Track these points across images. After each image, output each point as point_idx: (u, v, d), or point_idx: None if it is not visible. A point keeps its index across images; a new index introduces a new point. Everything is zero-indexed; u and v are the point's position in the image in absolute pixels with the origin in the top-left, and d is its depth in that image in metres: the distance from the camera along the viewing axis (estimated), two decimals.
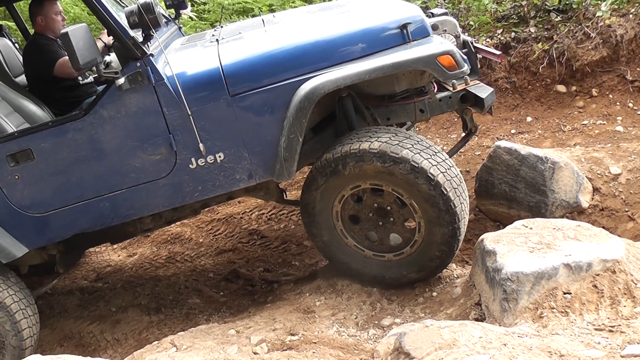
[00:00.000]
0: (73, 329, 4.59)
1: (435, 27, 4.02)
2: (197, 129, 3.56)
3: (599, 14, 5.68)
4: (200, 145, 3.59)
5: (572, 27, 5.84)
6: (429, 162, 3.49)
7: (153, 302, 4.79)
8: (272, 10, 7.15)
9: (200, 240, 5.64)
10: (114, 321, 4.59)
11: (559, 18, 5.94)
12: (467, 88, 3.91)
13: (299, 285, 4.26)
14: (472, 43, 4.16)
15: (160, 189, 3.73)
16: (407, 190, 3.55)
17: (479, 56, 4.21)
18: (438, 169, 3.49)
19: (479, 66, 4.22)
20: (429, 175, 3.45)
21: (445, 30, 4.14)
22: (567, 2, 5.94)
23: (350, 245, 3.87)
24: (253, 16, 6.85)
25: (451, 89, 3.79)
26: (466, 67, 3.65)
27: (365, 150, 3.52)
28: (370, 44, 3.62)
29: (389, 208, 3.71)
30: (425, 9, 4.86)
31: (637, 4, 5.69)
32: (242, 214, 5.76)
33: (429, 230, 3.60)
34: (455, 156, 5.21)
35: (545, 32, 5.96)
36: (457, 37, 4.17)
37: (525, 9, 6.11)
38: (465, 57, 3.83)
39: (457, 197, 3.53)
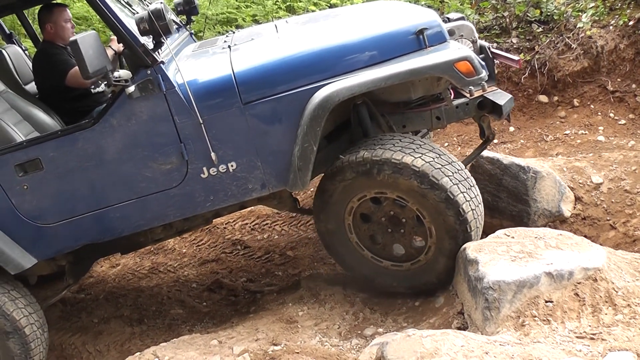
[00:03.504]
0: (55, 340, 4.53)
1: (451, 33, 3.92)
2: (209, 137, 3.45)
3: (579, 25, 5.75)
4: (212, 154, 3.48)
5: (553, 38, 5.90)
6: (464, 197, 3.41)
7: (135, 313, 4.75)
8: (256, 21, 7.16)
9: (184, 250, 5.60)
10: (96, 332, 4.55)
11: (540, 29, 6.00)
12: (485, 95, 3.79)
13: (282, 295, 4.25)
14: (489, 48, 4.05)
15: (172, 199, 3.63)
16: (432, 216, 3.47)
17: (497, 62, 4.14)
18: (470, 205, 3.43)
19: (496, 72, 4.12)
20: (461, 210, 3.39)
21: (462, 36, 4.05)
22: (549, 14, 6.00)
23: (352, 241, 3.78)
24: (237, 27, 6.85)
25: (468, 95, 3.61)
26: (484, 74, 3.52)
27: (407, 165, 3.41)
28: (386, 50, 3.49)
29: (403, 220, 3.62)
30: None
31: (617, 16, 5.76)
32: (226, 224, 5.73)
33: (435, 257, 3.56)
34: None
35: (527, 43, 6.02)
36: (474, 42, 4.06)
37: (507, 20, 6.16)
38: (482, 62, 3.68)
39: (476, 237, 3.49)
